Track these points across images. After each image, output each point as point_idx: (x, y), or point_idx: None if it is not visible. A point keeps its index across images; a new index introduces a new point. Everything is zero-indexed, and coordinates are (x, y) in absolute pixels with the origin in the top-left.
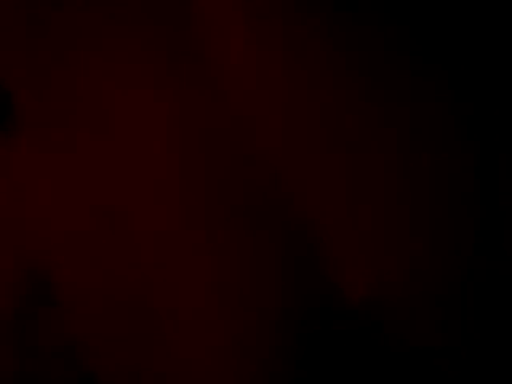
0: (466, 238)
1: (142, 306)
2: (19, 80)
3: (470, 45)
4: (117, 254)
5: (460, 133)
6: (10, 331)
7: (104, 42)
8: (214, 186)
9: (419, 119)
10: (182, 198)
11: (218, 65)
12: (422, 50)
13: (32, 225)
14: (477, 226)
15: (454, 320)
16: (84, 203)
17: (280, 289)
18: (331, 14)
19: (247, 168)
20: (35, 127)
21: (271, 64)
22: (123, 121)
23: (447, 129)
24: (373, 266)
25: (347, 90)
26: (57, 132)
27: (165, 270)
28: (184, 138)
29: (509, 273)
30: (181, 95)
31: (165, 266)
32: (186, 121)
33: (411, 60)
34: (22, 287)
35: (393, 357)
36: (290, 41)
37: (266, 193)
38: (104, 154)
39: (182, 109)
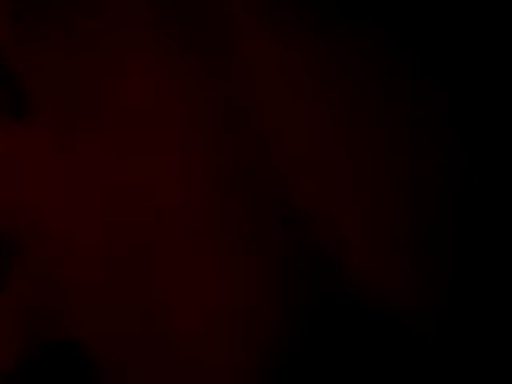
0: (465, 229)
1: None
2: (37, 74)
3: (464, 46)
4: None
5: (456, 131)
6: None
7: (120, 42)
8: (220, 182)
9: (418, 119)
10: (189, 191)
11: (231, 59)
12: (419, 51)
13: (46, 212)
14: (475, 218)
15: (454, 309)
16: (98, 195)
17: (282, 284)
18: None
19: (253, 166)
20: (51, 119)
21: (280, 60)
22: (135, 115)
23: (445, 128)
24: (373, 258)
25: (349, 90)
26: (72, 124)
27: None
28: (194, 135)
29: (504, 263)
30: (193, 95)
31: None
32: (198, 118)
33: (409, 60)
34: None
35: (395, 345)
36: (298, 42)
37: (270, 188)
38: (115, 146)
39: (192, 106)
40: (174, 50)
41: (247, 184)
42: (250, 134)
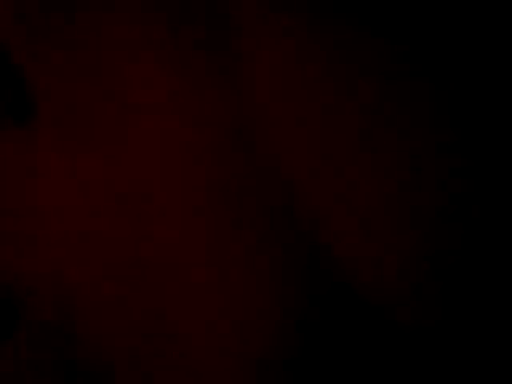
0: (462, 229)
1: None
2: (45, 76)
3: (466, 47)
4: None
5: (456, 130)
6: None
7: (131, 41)
8: (222, 186)
9: (419, 118)
10: (194, 195)
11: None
12: (418, 52)
13: (48, 216)
14: (472, 219)
15: (450, 305)
16: (103, 199)
17: (283, 284)
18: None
19: (255, 169)
20: (57, 123)
21: (283, 65)
22: (143, 119)
23: (444, 127)
24: (373, 257)
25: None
26: (79, 127)
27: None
28: (200, 138)
29: (503, 264)
30: (203, 96)
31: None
32: (204, 121)
33: (410, 61)
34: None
35: (393, 343)
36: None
37: (272, 190)
38: (122, 150)
39: (202, 109)
40: (176, 50)
41: (248, 185)
42: (252, 136)
